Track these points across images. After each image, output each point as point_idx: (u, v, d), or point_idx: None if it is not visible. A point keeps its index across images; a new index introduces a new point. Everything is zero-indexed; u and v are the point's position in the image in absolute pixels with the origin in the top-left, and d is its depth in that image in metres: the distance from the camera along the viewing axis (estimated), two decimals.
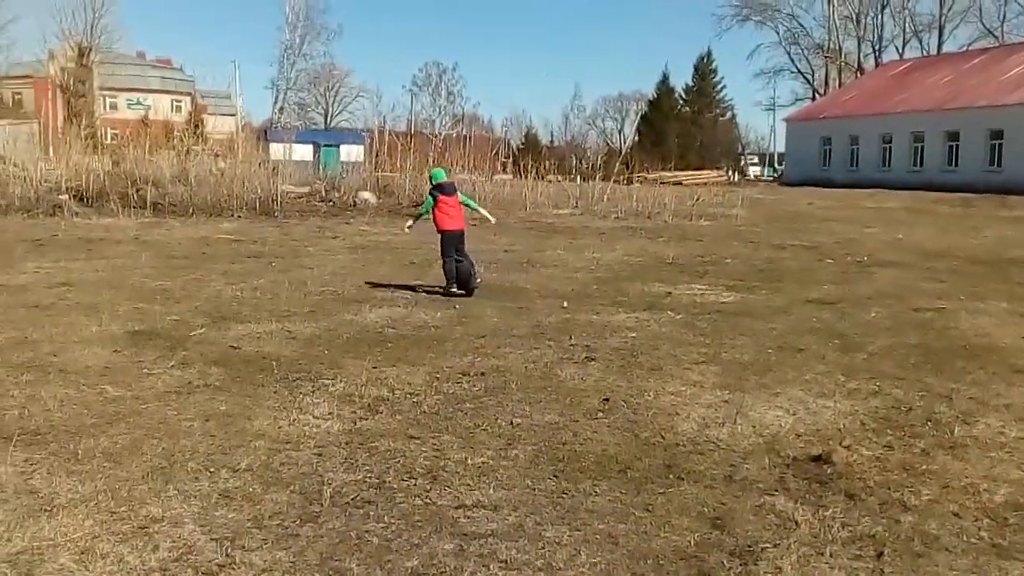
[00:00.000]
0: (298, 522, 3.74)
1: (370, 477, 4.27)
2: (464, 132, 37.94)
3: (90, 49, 53.14)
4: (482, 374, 6.23)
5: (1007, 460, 4.55)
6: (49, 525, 3.64)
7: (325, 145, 40.41)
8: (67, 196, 19.94)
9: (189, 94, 70.86)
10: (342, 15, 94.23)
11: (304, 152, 33.75)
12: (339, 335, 7.49)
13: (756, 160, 71.85)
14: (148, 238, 15.41)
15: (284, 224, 18.28)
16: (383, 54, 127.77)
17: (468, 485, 4.18)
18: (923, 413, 5.35)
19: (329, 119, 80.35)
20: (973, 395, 5.72)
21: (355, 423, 5.11)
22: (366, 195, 21.99)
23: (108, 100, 63.37)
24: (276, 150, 28.77)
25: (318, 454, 4.57)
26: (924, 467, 4.44)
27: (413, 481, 4.22)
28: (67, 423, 5.00)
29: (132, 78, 69.57)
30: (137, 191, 20.15)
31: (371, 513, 3.85)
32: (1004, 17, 62.20)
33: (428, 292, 9.78)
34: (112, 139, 35.86)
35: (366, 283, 10.41)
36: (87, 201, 19.95)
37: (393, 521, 3.76)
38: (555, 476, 4.32)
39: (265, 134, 38.14)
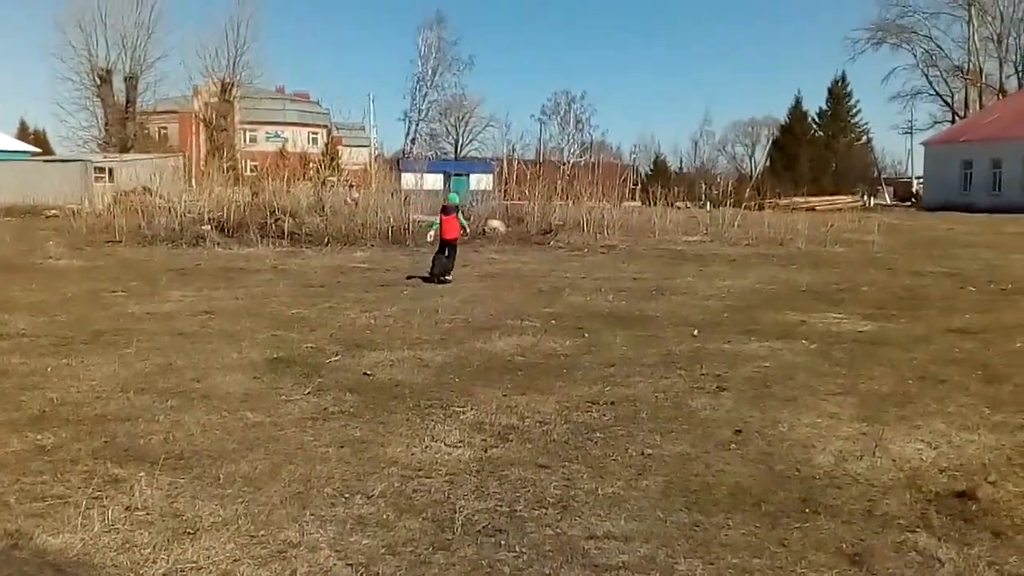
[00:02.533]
0: (431, 549, 3.85)
1: (501, 506, 4.35)
2: (592, 159, 38.09)
3: (232, 85, 56.28)
4: (612, 403, 6.27)
5: None
6: (192, 548, 3.84)
7: (455, 174, 41.39)
8: (209, 227, 21.05)
9: (325, 126, 74.11)
10: (473, 46, 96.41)
11: (435, 181, 34.73)
12: (469, 363, 7.68)
13: (890, 186, 68.57)
14: (285, 267, 16.12)
15: (415, 253, 18.88)
16: (513, 84, 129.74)
17: (599, 515, 4.22)
18: None
19: (459, 148, 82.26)
20: None
21: (486, 451, 5.22)
22: (495, 223, 22.38)
23: (248, 133, 66.48)
24: (408, 180, 29.72)
25: (449, 482, 4.69)
26: None
27: (543, 510, 4.29)
28: (209, 448, 5.26)
29: (271, 112, 73.17)
30: (275, 221, 21.09)
31: (502, 542, 3.92)
32: None
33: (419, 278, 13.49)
34: (252, 171, 37.51)
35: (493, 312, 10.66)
36: (228, 231, 20.97)
37: (524, 551, 3.84)
38: (687, 508, 4.32)
39: (397, 164, 39.52)
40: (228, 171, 28.41)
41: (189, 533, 4.01)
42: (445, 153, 76.49)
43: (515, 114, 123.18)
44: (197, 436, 5.51)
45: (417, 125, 75.76)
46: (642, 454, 5.15)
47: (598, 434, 5.56)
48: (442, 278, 13.57)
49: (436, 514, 4.25)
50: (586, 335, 8.97)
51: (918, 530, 3.99)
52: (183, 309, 10.78)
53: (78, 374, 7.14)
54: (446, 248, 13.89)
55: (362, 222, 21.28)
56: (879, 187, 64.69)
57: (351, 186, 26.51)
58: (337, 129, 70.40)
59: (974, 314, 10.07)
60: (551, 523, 4.14)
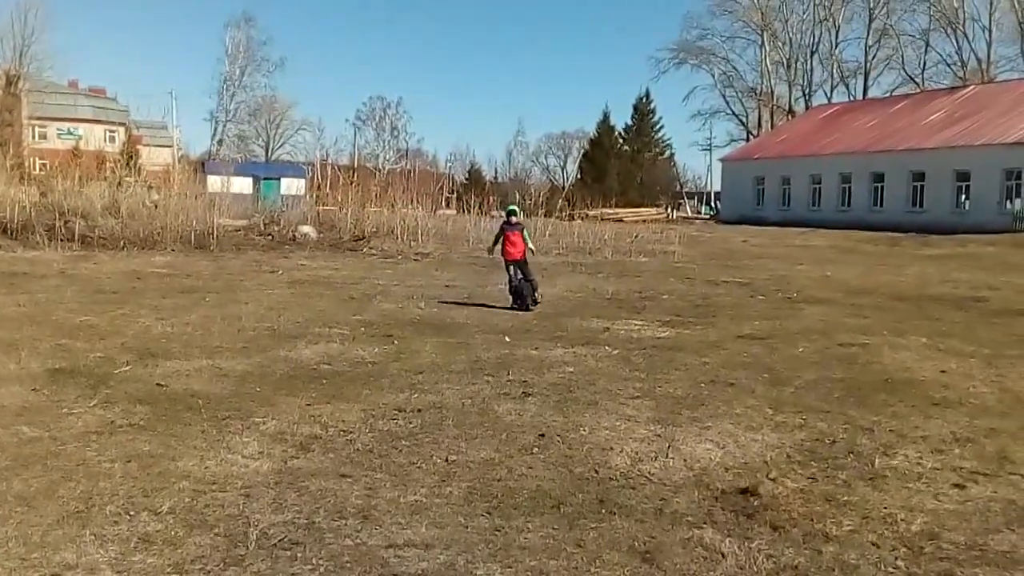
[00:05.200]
0: (221, 566, 3.66)
1: (299, 518, 4.19)
2: (408, 167, 37.99)
3: (18, 77, 51.80)
4: (418, 410, 6.21)
5: (924, 490, 4.71)
6: None
7: (265, 178, 39.98)
8: None
9: (123, 124, 69.36)
10: (285, 47, 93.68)
11: (243, 185, 33.33)
12: (273, 372, 7.39)
13: (692, 199, 73.45)
14: (75, 272, 14.96)
15: (220, 258, 17.99)
16: (327, 88, 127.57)
17: (400, 524, 4.15)
18: (846, 445, 5.51)
19: (270, 152, 79.71)
20: (893, 427, 5.91)
21: (286, 462, 5.02)
22: (306, 229, 21.81)
23: (37, 130, 61.74)
24: (214, 183, 28.35)
25: (245, 495, 4.47)
26: (845, 498, 4.57)
27: (344, 521, 4.17)
28: None
29: (63, 107, 67.89)
30: (65, 223, 19.61)
31: (298, 555, 3.78)
32: (924, 65, 65.21)
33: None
34: (40, 169, 34.85)
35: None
36: (11, 233, 19.35)
37: (321, 563, 3.71)
38: (489, 513, 4.32)
39: (203, 166, 37.59)
40: (13, 169, 25.94)
41: None
42: (255, 156, 73.83)
43: (329, 118, 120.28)
44: None
45: (224, 126, 72.86)
46: (447, 461, 5.12)
47: (403, 442, 5.48)
48: (532, 298, 11.68)
49: (229, 529, 4.03)
50: (395, 342, 8.86)
51: (704, 526, 4.19)
52: None
53: None
54: (515, 269, 11.79)
55: (162, 225, 20.06)
56: (682, 200, 69.04)
57: (151, 187, 24.91)
58: (137, 128, 66.14)
59: (762, 321, 10.86)
60: (351, 533, 4.02)
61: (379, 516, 4.24)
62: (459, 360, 8.05)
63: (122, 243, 19.22)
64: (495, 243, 12.32)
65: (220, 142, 71.68)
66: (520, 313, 11.34)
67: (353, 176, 25.22)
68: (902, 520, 4.26)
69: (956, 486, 4.77)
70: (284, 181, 38.38)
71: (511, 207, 12.91)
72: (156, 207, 21.64)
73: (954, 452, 5.39)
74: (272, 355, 8.09)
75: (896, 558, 3.84)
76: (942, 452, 5.38)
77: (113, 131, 67.56)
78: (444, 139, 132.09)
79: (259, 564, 3.67)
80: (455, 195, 35.23)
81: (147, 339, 8.73)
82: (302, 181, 30.68)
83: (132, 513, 4.18)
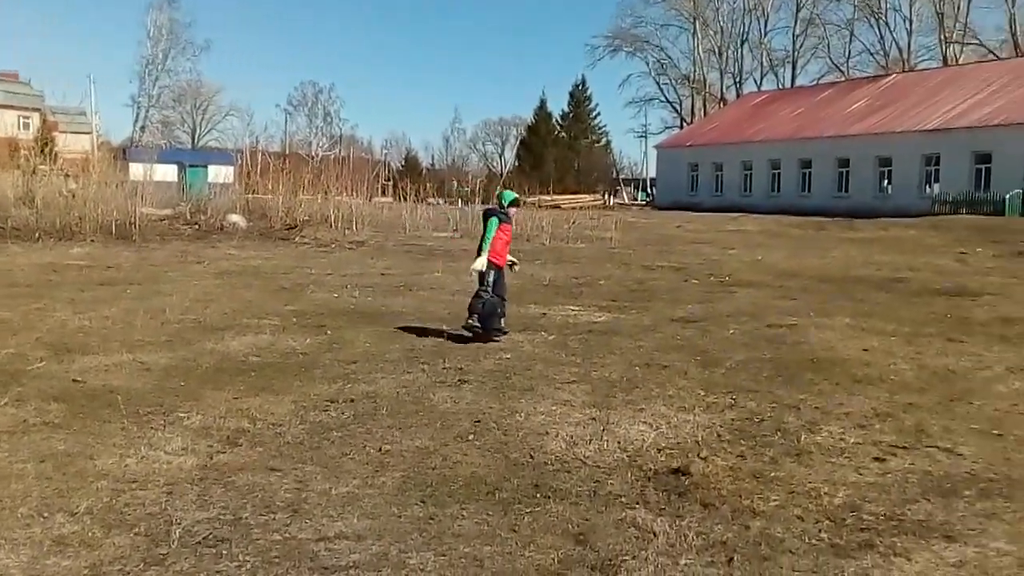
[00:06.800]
0: (141, 566, 3.54)
1: (224, 514, 4.09)
2: (342, 153, 37.46)
3: None
4: (351, 400, 6.12)
5: (846, 465, 4.83)
6: None
7: (191, 165, 38.96)
8: None
9: (38, 110, 66.68)
10: (210, 30, 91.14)
11: (168, 173, 32.41)
12: (198, 365, 7.19)
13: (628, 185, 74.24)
14: None
15: (143, 249, 17.46)
16: (256, 72, 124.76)
17: (331, 516, 4.08)
18: (773, 423, 5.63)
19: (197, 139, 77.74)
20: (818, 405, 6.06)
21: (211, 458, 4.89)
22: (235, 218, 21.33)
23: None
24: (137, 171, 27.47)
25: (168, 492, 4.34)
26: (773, 474, 4.67)
27: (272, 515, 4.08)
28: None
29: None
30: None
31: (224, 552, 3.68)
32: (849, 54, 67.12)
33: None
34: None
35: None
36: None
37: (248, 559, 3.62)
38: (423, 502, 4.28)
39: (124, 154, 36.43)
40: None
41: None
42: (180, 143, 71.91)
43: (259, 104, 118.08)
44: None
45: (147, 112, 70.76)
46: (380, 451, 5.05)
47: (335, 433, 5.39)
48: (494, 329, 8.26)
49: (150, 528, 3.90)
50: (328, 332, 8.72)
51: (637, 506, 4.23)
52: None
53: None
54: (491, 277, 8.25)
55: (80, 215, 19.35)
56: (619, 186, 69.72)
57: (67, 176, 24.00)
58: (53, 113, 63.69)
59: (695, 304, 11.02)
60: (279, 528, 3.94)
61: (309, 509, 4.16)
62: (394, 349, 7.96)
63: (37, 234, 18.47)
64: (484, 242, 8.27)
65: (143, 128, 69.64)
66: (456, 300, 11.23)
67: (284, 163, 24.73)
68: (825, 494, 4.37)
69: (876, 460, 4.91)
70: (211, 168, 37.40)
71: (507, 192, 8.92)
72: (74, 196, 20.85)
73: (875, 427, 5.55)
74: (197, 348, 7.87)
75: (819, 530, 3.93)
76: (863, 427, 5.53)
77: (27, 117, 64.70)
78: (379, 125, 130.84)
79: (182, 563, 3.57)
80: (391, 182, 34.89)
81: (63, 334, 8.40)
82: (231, 168, 29.93)
83: (46, 515, 4.01)
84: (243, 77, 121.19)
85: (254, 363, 7.32)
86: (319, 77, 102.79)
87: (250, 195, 23.99)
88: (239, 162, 25.67)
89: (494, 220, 8.27)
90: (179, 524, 3.93)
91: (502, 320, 8.41)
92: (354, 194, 24.91)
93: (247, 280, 13.04)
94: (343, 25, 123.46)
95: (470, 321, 8.19)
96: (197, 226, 20.94)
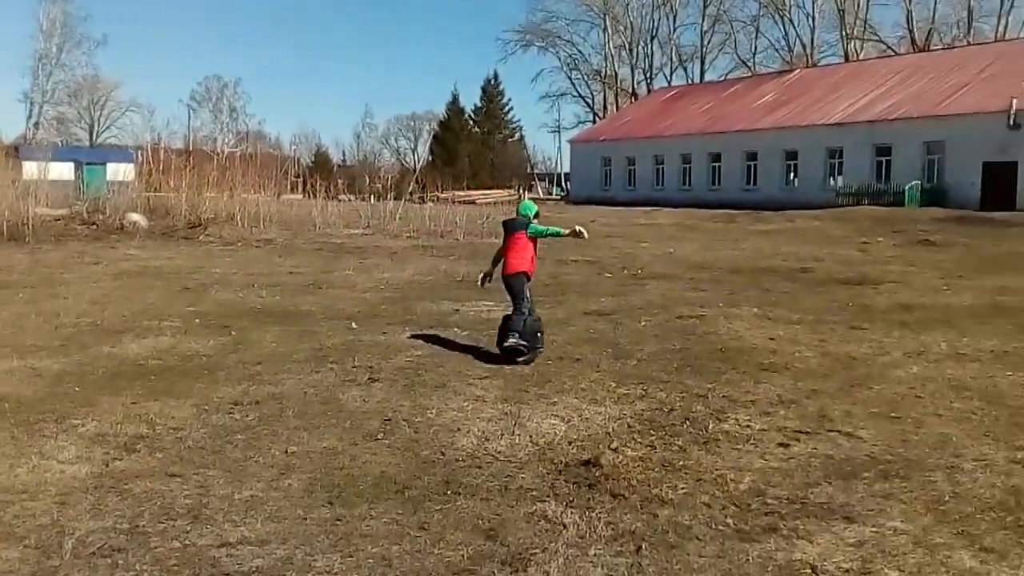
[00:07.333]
0: None
1: (121, 523, 3.93)
2: (249, 150, 36.52)
3: None
4: (256, 402, 5.95)
5: (752, 451, 4.94)
6: None
7: (89, 163, 37.36)
8: None
9: None
10: (107, 24, 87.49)
11: (64, 171, 30.93)
12: (94, 370, 6.89)
13: (543, 180, 74.79)
14: None
15: (36, 250, 16.62)
16: (157, 67, 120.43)
17: (233, 521, 3.95)
18: (682, 413, 5.71)
19: (95, 136, 74.65)
20: (726, 393, 6.19)
21: (107, 465, 4.69)
22: (136, 217, 20.52)
23: None
24: (30, 169, 26.14)
25: (61, 502, 4.14)
26: (681, 463, 4.74)
27: (171, 523, 3.93)
28: None
29: None
30: None
31: (120, 562, 3.54)
32: (755, 50, 69.03)
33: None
34: None
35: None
36: None
37: (145, 568, 3.48)
38: (330, 503, 4.19)
39: (17, 151, 34.60)
40: None
41: None
42: (78, 140, 68.90)
43: (160, 99, 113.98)
44: None
45: (41, 108, 67.53)
46: (286, 453, 4.92)
47: (239, 436, 5.22)
48: (524, 347, 7.18)
49: (42, 540, 3.72)
50: (233, 333, 8.46)
51: (548, 500, 4.23)
52: None
53: None
54: (511, 290, 7.48)
55: None
56: (534, 181, 70.11)
57: None
58: None
59: (608, 298, 11.13)
60: (179, 535, 3.80)
61: (211, 515, 4.03)
62: (302, 349, 7.78)
63: None
64: (548, 229, 7.77)
65: (36, 125, 66.35)
66: (367, 297, 11.09)
67: (188, 160, 23.91)
68: (732, 480, 4.45)
69: (781, 445, 5.03)
70: (111, 166, 35.95)
71: (525, 204, 8.18)
72: None
73: (780, 413, 5.69)
74: (93, 352, 7.54)
75: (726, 516, 4.00)
76: (769, 414, 5.67)
77: None
78: (288, 121, 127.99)
79: (75, 574, 3.42)
80: (301, 179, 34.20)
81: None
82: (131, 166, 28.71)
83: None
84: (144, 72, 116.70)
85: (154, 366, 7.04)
86: (224, 72, 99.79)
87: (152, 193, 23.09)
88: (140, 159, 24.63)
89: (534, 225, 7.59)
90: (72, 535, 3.76)
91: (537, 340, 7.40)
92: (262, 191, 24.30)
93: (148, 281, 12.55)
94: (248, 18, 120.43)
95: (514, 342, 7.15)
96: (95, 226, 20.07)
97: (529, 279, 7.55)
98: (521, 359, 7.16)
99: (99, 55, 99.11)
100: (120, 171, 29.88)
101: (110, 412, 5.66)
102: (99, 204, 21.72)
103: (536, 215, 7.76)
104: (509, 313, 7.44)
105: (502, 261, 7.61)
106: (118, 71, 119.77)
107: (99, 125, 76.61)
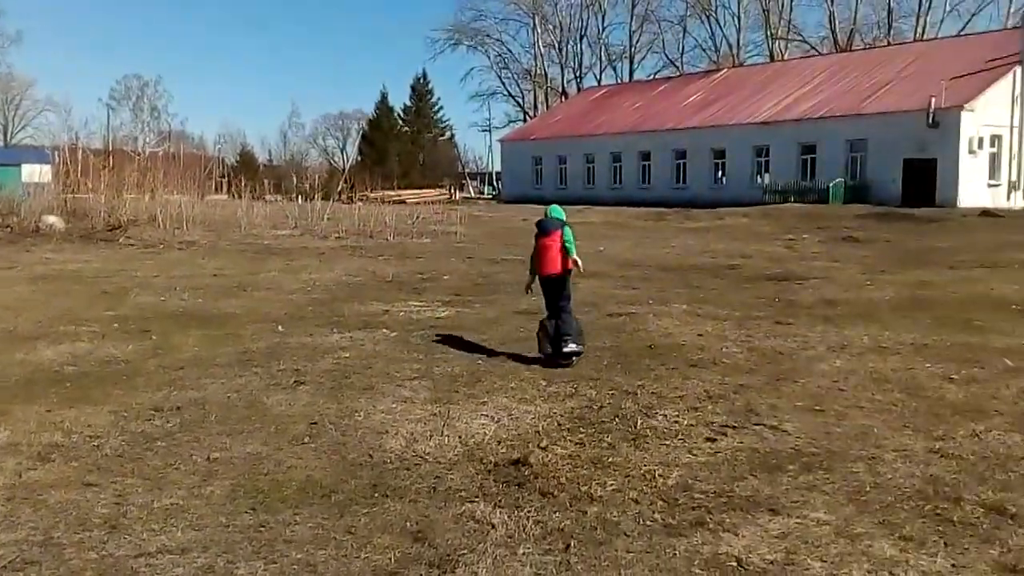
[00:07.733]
0: None
1: (34, 535, 3.80)
2: (171, 150, 35.49)
3: None
4: (178, 408, 5.80)
5: (680, 446, 5.01)
6: None
7: (1, 164, 35.82)
8: None
9: None
10: (21, 20, 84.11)
11: None
12: (6, 378, 6.63)
13: (474, 179, 74.74)
14: None
15: None
16: (74, 65, 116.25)
17: (152, 530, 3.84)
18: (612, 410, 5.76)
19: (9, 136, 71.76)
20: (655, 390, 6.26)
21: (20, 476, 4.52)
22: (52, 219, 19.75)
23: None
24: None
25: None
26: (610, 459, 4.77)
27: (87, 533, 3.81)
28: None
29: None
30: None
31: (33, 575, 3.42)
32: (683, 50, 70.18)
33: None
34: None
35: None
36: None
37: None
38: (253, 509, 4.10)
39: None
40: None
41: None
42: None
43: (78, 98, 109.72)
44: None
45: None
46: (208, 459, 4.80)
47: (159, 443, 5.07)
48: (569, 349, 7.13)
49: None
50: (153, 338, 8.22)
51: (477, 500, 4.21)
52: None
53: None
54: (553, 292, 7.48)
55: None
56: (465, 181, 69.94)
57: None
58: None
59: (538, 296, 11.10)
60: (95, 545, 3.68)
61: (129, 524, 3.91)
62: (225, 352, 7.59)
63: None
64: (571, 245, 7.44)
65: None
66: (294, 299, 10.90)
67: (108, 160, 23.09)
68: (660, 476, 4.50)
69: (708, 440, 5.11)
70: (26, 168, 34.66)
71: (556, 207, 8.23)
72: None
73: (707, 408, 5.78)
74: (5, 359, 7.25)
75: (654, 511, 4.04)
76: (697, 409, 5.75)
77: None
78: (211, 120, 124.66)
79: None
80: (226, 179, 33.44)
81: None
82: (47, 167, 27.62)
83: None
84: (60, 70, 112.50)
85: (70, 373, 6.80)
86: (144, 70, 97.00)
87: (70, 195, 22.23)
88: (57, 160, 23.69)
89: (568, 229, 7.53)
90: None
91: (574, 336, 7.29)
92: (185, 192, 23.65)
93: (65, 285, 12.09)
94: (169, 15, 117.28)
95: (575, 347, 7.16)
96: (9, 229, 19.25)
97: (570, 274, 7.48)
98: (575, 360, 7.13)
99: (12, 53, 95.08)
100: (36, 172, 28.78)
101: (23, 421, 5.45)
102: (13, 206, 20.85)
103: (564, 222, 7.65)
104: (544, 319, 7.37)
105: (540, 262, 7.46)
106: (34, 69, 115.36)
107: (13, 125, 73.89)
